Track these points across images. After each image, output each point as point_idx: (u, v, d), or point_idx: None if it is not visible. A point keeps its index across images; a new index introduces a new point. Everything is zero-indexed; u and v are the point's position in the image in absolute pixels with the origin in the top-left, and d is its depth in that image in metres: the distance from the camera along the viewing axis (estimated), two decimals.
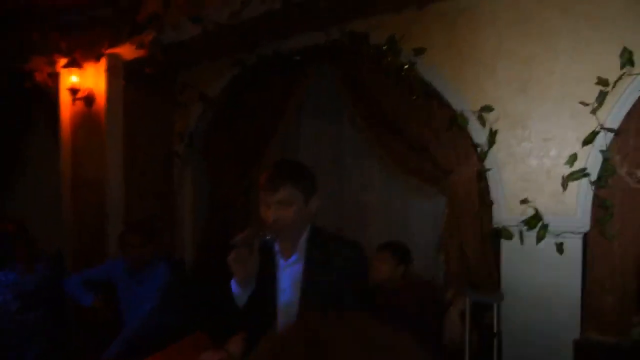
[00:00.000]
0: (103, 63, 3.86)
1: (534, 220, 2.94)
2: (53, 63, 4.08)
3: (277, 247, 1.87)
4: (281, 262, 1.85)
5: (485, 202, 3.19)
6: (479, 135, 3.11)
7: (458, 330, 2.44)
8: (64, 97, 4.08)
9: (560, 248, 2.90)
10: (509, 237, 3.02)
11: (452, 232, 3.30)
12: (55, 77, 4.15)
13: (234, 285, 1.74)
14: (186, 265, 4.33)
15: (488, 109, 3.06)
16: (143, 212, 4.13)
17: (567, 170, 2.89)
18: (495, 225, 3.09)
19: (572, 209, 2.89)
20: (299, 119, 4.09)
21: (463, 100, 3.16)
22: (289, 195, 1.71)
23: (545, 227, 2.92)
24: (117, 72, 3.87)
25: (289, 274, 1.82)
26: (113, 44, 3.80)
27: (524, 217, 2.97)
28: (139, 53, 3.72)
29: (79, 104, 4.01)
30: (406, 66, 3.29)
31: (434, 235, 3.58)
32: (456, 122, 3.16)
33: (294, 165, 1.84)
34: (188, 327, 3.45)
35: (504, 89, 3.07)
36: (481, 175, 3.20)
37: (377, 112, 3.53)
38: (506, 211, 3.07)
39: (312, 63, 3.83)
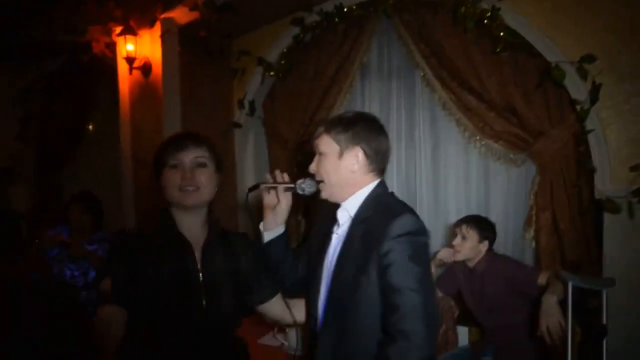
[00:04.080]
0: (157, 29, 3.67)
1: None
2: (109, 32, 3.95)
3: (338, 212, 1.64)
4: (335, 228, 1.64)
5: (585, 169, 2.74)
6: (579, 91, 2.66)
7: (557, 320, 2.07)
8: (122, 68, 3.95)
9: None
10: (615, 210, 2.58)
11: (544, 204, 2.89)
12: (113, 47, 4.03)
13: (261, 226, 1.73)
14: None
15: (590, 59, 2.59)
16: None
17: None
18: (597, 197, 2.67)
19: None
20: (363, 80, 3.73)
21: (558, 50, 2.71)
22: (323, 144, 1.59)
23: None
24: (172, 37, 3.67)
25: (333, 244, 1.62)
26: (167, 8, 3.59)
27: (634, 187, 2.52)
28: (193, 16, 3.49)
29: (136, 74, 3.86)
30: (488, 13, 2.85)
31: (521, 207, 3.15)
32: (550, 76, 2.71)
33: (345, 113, 1.67)
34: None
35: (610, 36, 2.58)
36: (580, 138, 2.75)
37: (453, 68, 3.13)
38: (611, 180, 2.63)
39: (378, 17, 3.45)
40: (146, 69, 3.80)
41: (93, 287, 2.93)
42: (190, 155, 1.58)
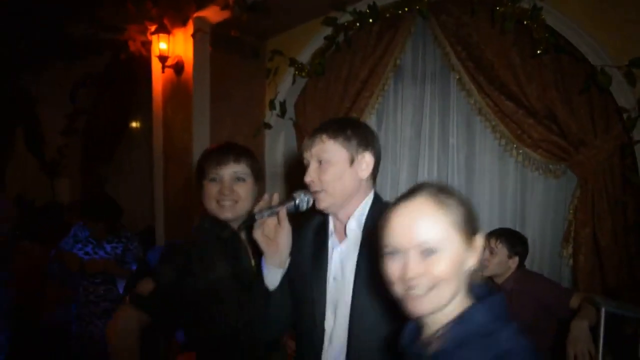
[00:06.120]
0: (190, 28, 3.68)
1: None
2: (145, 31, 3.99)
3: (331, 224, 1.49)
4: (335, 243, 1.47)
5: (630, 183, 2.51)
6: (626, 98, 2.45)
7: (586, 348, 1.88)
8: (155, 66, 3.98)
9: None
10: None
11: (584, 219, 2.67)
12: (148, 46, 4.07)
13: (264, 265, 1.46)
14: None
15: (639, 62, 2.35)
16: None
17: None
18: None
19: None
20: (396, 84, 3.59)
21: (604, 52, 2.49)
22: (328, 151, 1.40)
23: None
24: (203, 36, 3.65)
25: (339, 260, 1.44)
26: (200, 7, 3.59)
27: None
28: (224, 15, 3.47)
29: (169, 73, 3.87)
30: (528, 13, 2.66)
31: (560, 222, 2.93)
32: (594, 82, 2.49)
33: (339, 118, 1.58)
34: None
35: None
36: (626, 150, 2.51)
37: (491, 72, 2.96)
38: None
39: (413, 18, 3.31)
40: (178, 67, 3.81)
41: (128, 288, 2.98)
42: (229, 170, 1.64)
